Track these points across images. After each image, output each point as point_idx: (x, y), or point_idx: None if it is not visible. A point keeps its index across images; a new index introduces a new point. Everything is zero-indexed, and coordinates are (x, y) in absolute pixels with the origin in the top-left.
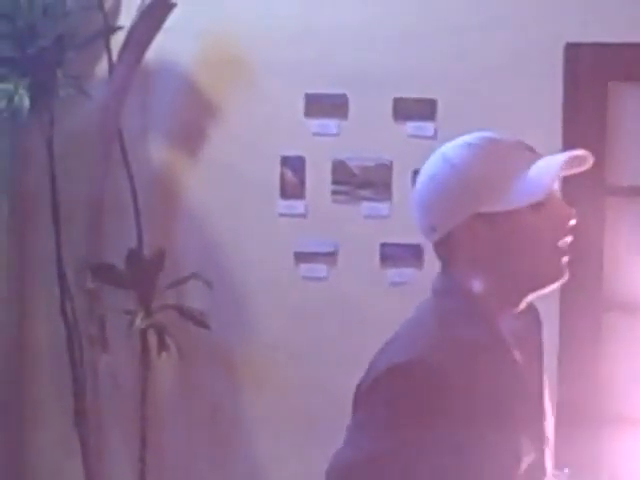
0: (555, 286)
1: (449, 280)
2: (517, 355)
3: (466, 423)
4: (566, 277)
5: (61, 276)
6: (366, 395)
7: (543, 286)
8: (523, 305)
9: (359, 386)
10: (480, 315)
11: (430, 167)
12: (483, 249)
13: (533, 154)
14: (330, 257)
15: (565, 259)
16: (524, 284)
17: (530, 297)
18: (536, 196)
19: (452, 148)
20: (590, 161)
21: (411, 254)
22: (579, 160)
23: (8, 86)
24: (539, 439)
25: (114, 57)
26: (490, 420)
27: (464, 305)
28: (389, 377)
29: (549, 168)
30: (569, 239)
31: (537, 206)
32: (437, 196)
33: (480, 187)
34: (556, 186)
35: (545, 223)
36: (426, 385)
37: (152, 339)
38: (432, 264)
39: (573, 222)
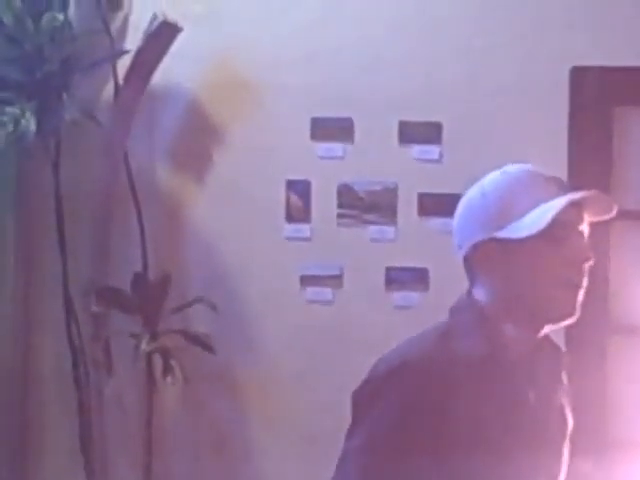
0: (565, 322)
1: (466, 298)
2: (526, 382)
3: (448, 431)
4: (576, 316)
5: (67, 299)
6: (360, 401)
7: (552, 320)
8: (541, 334)
9: (355, 392)
10: (486, 333)
11: (470, 190)
12: (496, 273)
13: (562, 191)
14: (336, 280)
15: (578, 297)
16: (533, 314)
17: (546, 328)
18: (531, 229)
19: (491, 175)
20: (613, 209)
21: (416, 278)
22: (603, 206)
23: (15, 110)
24: (536, 470)
25: (120, 81)
26: (473, 434)
27: (471, 321)
28: (382, 381)
29: (552, 206)
30: (583, 279)
31: (554, 241)
32: (463, 216)
33: (496, 213)
34: (584, 227)
35: (558, 259)
36: (414, 385)
37: (157, 363)
38: (438, 288)
39: (589, 264)
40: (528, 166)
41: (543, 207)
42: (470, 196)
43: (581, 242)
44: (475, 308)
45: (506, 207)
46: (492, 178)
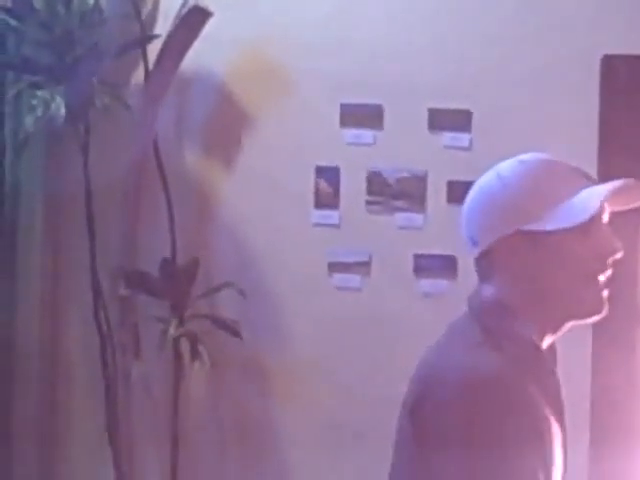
0: (592, 319)
1: (489, 297)
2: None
3: (531, 442)
4: (604, 312)
5: (95, 283)
6: (436, 418)
7: (579, 316)
8: (561, 332)
9: (414, 406)
10: (526, 337)
11: (482, 181)
12: (522, 268)
13: (588, 181)
14: (364, 267)
15: (605, 293)
16: (560, 310)
17: (568, 325)
18: (576, 220)
19: (506, 164)
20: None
21: (445, 265)
22: (632, 195)
23: (44, 94)
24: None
25: (150, 66)
26: (542, 436)
27: (510, 327)
28: (462, 397)
29: (595, 194)
30: (610, 273)
31: (582, 233)
32: (482, 209)
33: (525, 204)
34: (606, 218)
35: (587, 252)
36: (499, 401)
37: (185, 347)
38: (466, 275)
39: (618, 256)
40: (544, 155)
41: (582, 195)
42: (487, 187)
43: (609, 233)
44: (507, 311)
45: (535, 197)
46: (510, 168)
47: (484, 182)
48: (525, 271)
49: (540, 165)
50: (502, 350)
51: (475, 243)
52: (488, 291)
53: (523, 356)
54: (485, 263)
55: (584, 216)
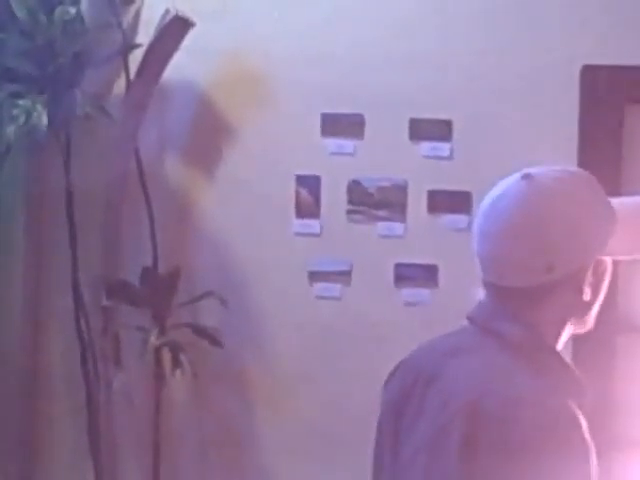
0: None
1: (533, 333)
2: None
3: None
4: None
5: (76, 293)
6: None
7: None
8: None
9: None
10: (562, 362)
11: (548, 202)
12: (582, 294)
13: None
14: (344, 277)
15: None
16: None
17: None
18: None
19: (561, 182)
20: None
21: (426, 274)
22: None
23: (26, 103)
24: None
25: (132, 75)
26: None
27: (551, 358)
28: (546, 435)
29: None
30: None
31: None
32: (565, 234)
33: (605, 229)
34: None
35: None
36: (575, 433)
37: (166, 357)
38: (447, 285)
39: None
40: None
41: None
42: (567, 211)
43: None
44: (545, 344)
45: (607, 221)
46: (573, 185)
47: (556, 204)
48: (579, 298)
49: (593, 184)
50: (560, 381)
51: (550, 270)
52: (527, 323)
53: (564, 378)
54: (543, 292)
55: None
